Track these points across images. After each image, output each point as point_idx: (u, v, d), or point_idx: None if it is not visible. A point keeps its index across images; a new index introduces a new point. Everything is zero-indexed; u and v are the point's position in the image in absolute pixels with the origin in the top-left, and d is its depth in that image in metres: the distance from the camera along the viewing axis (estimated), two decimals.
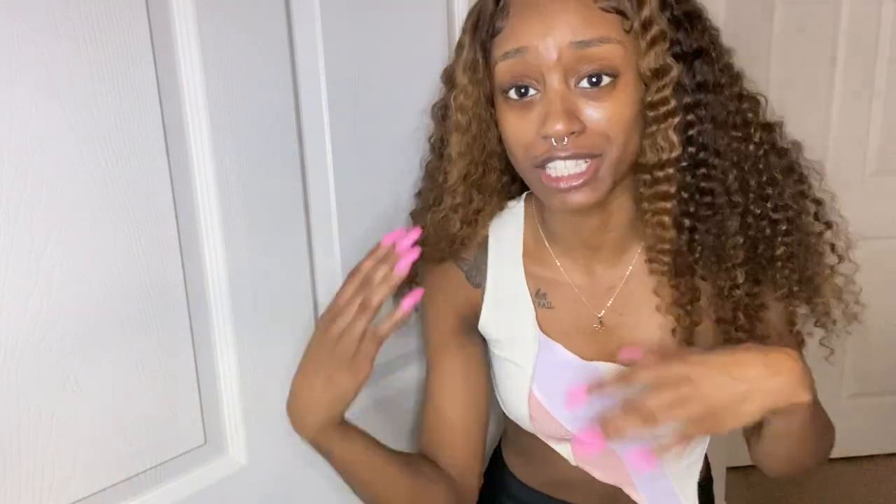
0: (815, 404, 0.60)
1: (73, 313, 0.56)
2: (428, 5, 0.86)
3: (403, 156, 0.85)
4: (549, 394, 0.74)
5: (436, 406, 0.79)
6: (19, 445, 0.54)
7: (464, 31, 0.66)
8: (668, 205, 0.63)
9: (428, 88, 0.88)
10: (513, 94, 0.61)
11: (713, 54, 0.62)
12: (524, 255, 0.76)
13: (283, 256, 0.72)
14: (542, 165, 0.61)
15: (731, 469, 2.02)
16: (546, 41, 0.58)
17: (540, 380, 0.74)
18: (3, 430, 0.53)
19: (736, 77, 0.65)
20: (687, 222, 0.64)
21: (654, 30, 0.59)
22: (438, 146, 0.73)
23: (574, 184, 0.60)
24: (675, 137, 0.61)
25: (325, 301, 0.78)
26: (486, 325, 0.77)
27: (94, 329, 0.58)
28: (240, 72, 0.66)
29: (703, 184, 0.63)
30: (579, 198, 0.61)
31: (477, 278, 0.77)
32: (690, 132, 0.62)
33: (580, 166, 0.60)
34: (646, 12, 0.59)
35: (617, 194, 0.66)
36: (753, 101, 0.66)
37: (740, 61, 0.67)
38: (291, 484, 0.76)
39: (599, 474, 0.80)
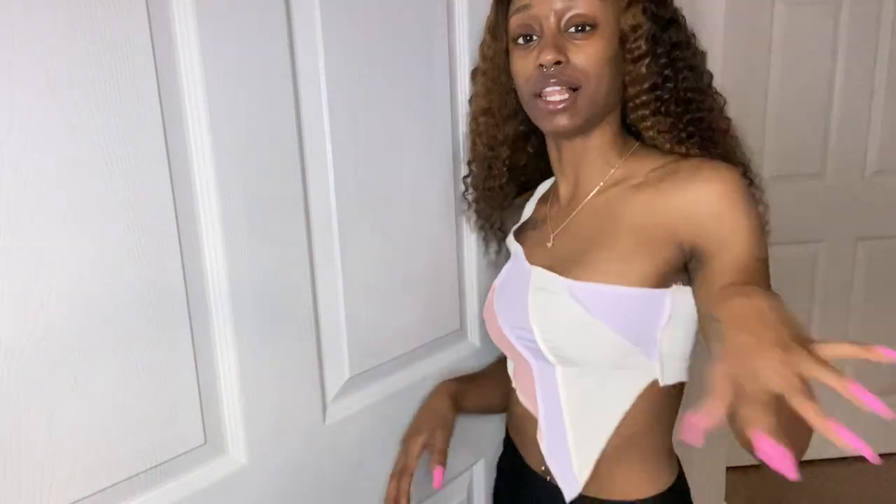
0: None
1: (73, 313, 0.56)
2: (428, 5, 0.86)
3: (403, 155, 0.85)
4: (499, 286, 0.91)
5: None
6: (19, 445, 0.54)
7: (492, 4, 0.85)
8: (650, 122, 0.81)
9: (428, 88, 0.88)
10: (520, 40, 0.80)
11: (681, 22, 0.80)
12: (541, 198, 0.96)
13: (283, 256, 0.72)
14: (538, 94, 0.78)
15: (731, 469, 2.02)
16: (544, 2, 0.77)
17: (500, 277, 0.92)
18: (3, 430, 0.53)
19: (700, 52, 0.82)
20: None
21: None
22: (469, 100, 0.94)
23: (559, 107, 0.78)
24: (645, 72, 0.78)
25: (324, 302, 0.78)
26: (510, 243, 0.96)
27: (94, 329, 0.58)
28: (240, 72, 0.66)
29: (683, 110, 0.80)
30: (563, 121, 0.78)
31: (509, 223, 0.99)
32: (666, 72, 0.78)
33: (563, 94, 0.77)
34: None
35: (595, 127, 0.82)
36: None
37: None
38: (291, 484, 0.76)
39: (524, 398, 0.89)
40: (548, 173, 0.95)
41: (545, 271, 0.82)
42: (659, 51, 0.78)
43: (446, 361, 0.96)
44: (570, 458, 0.84)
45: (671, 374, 0.80)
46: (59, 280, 0.55)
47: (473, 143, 0.92)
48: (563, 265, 0.81)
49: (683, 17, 0.81)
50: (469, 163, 0.94)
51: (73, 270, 0.56)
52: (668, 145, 0.80)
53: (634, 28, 0.77)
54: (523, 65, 0.80)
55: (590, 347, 0.78)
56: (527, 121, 0.87)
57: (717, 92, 0.84)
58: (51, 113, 0.53)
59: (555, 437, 0.85)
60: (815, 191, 2.18)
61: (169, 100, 0.61)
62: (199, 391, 0.67)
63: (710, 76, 0.83)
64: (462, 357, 0.99)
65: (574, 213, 0.86)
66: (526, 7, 0.78)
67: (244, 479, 0.71)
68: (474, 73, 0.91)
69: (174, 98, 0.62)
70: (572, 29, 0.77)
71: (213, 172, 0.65)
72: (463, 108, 0.94)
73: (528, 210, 0.95)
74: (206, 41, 0.63)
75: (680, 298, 0.77)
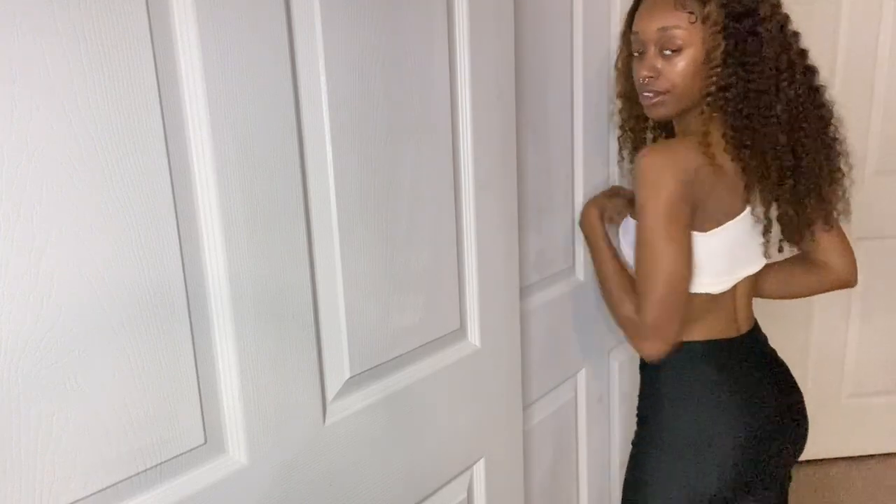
0: (590, 246, 1.24)
1: (73, 313, 0.56)
2: (428, 5, 0.86)
3: (404, 155, 0.85)
4: None
5: None
6: (19, 445, 0.54)
7: (626, 16, 1.16)
8: (724, 116, 1.06)
9: (428, 87, 0.88)
10: (636, 54, 1.12)
11: (763, 35, 1.03)
12: None
13: (283, 256, 0.72)
14: (643, 93, 1.11)
15: None
16: (647, 27, 1.08)
17: None
18: (3, 430, 0.53)
19: (787, 45, 1.06)
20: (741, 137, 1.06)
21: (710, 21, 1.03)
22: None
23: (653, 102, 1.10)
24: (716, 82, 1.04)
25: (324, 301, 0.78)
26: None
27: (94, 329, 0.58)
28: (240, 72, 0.66)
29: (744, 107, 1.04)
30: (656, 112, 1.11)
31: None
32: (731, 78, 1.03)
33: (655, 96, 1.09)
34: (706, 10, 1.03)
35: (681, 118, 1.12)
36: (801, 57, 1.08)
37: None
38: (291, 484, 0.76)
39: None
40: None
41: None
42: (730, 66, 1.02)
43: (446, 361, 0.96)
44: None
45: None
46: (60, 280, 0.55)
47: (622, 122, 1.27)
48: None
49: (766, 21, 1.03)
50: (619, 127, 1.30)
51: (73, 270, 0.56)
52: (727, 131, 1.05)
53: (713, 48, 1.03)
54: (636, 70, 1.11)
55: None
56: None
57: (800, 85, 1.06)
58: (50, 113, 0.53)
59: None
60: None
61: (169, 100, 0.61)
62: (198, 391, 0.67)
63: (789, 69, 1.05)
64: (462, 357, 0.99)
65: None
66: (637, 32, 1.09)
67: (244, 478, 0.71)
68: (615, 66, 1.24)
69: (174, 98, 0.62)
70: (666, 50, 1.05)
71: (212, 172, 0.65)
72: (463, 108, 0.94)
73: None
74: (206, 41, 0.63)
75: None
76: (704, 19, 1.03)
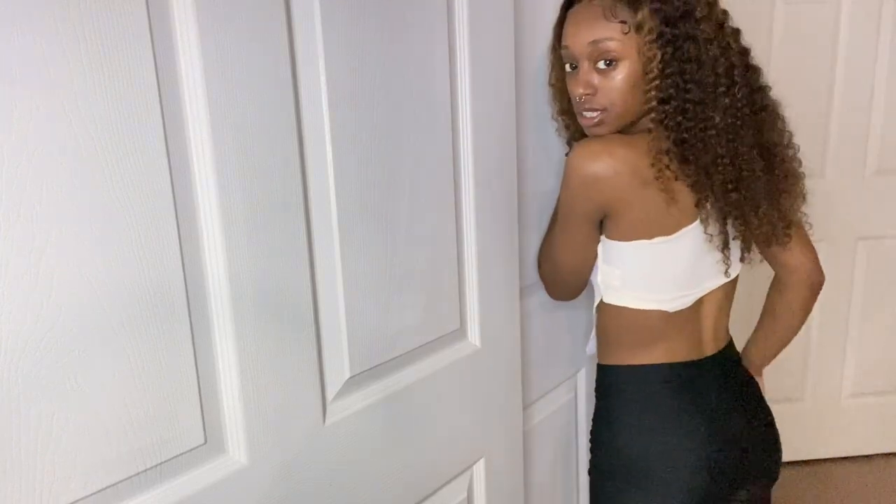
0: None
1: (73, 313, 0.56)
2: (428, 5, 0.86)
3: (404, 155, 0.85)
4: None
5: None
6: (19, 445, 0.54)
7: (553, 29, 1.10)
8: (665, 131, 0.99)
9: (428, 87, 0.88)
10: (568, 68, 1.05)
11: (701, 38, 0.96)
12: None
13: (283, 256, 0.72)
14: (580, 112, 1.04)
15: None
16: (577, 41, 1.00)
17: None
18: (3, 430, 0.53)
19: (727, 45, 0.99)
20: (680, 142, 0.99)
21: (644, 30, 0.96)
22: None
23: (593, 122, 1.02)
24: (655, 95, 0.98)
25: (324, 301, 0.78)
26: None
27: (94, 329, 0.58)
28: (240, 72, 0.66)
29: (683, 121, 0.98)
30: (597, 130, 1.03)
31: None
32: (670, 90, 0.97)
33: (594, 114, 1.02)
34: (638, 18, 0.96)
35: (634, 127, 1.04)
36: (742, 56, 1.03)
37: None
38: (291, 484, 0.76)
39: None
40: None
41: None
42: (669, 74, 0.96)
43: (446, 361, 0.96)
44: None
45: (611, 297, 1.11)
46: (60, 280, 0.55)
47: (569, 139, 1.19)
48: None
49: (704, 20, 0.97)
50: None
51: (73, 270, 0.56)
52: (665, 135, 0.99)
53: (649, 58, 0.97)
54: (570, 85, 1.04)
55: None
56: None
57: (738, 84, 1.00)
58: (50, 113, 0.53)
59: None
60: (815, 191, 2.18)
61: (169, 100, 0.61)
62: (198, 391, 0.67)
63: (728, 70, 0.99)
64: (462, 357, 0.99)
65: None
66: (567, 46, 1.02)
67: (244, 478, 0.71)
68: (549, 83, 1.16)
69: (174, 98, 0.62)
70: (601, 64, 0.99)
71: (212, 172, 0.65)
72: (463, 108, 0.94)
73: None
74: (206, 41, 0.63)
75: (604, 249, 1.10)
76: (638, 28, 0.96)
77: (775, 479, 1.18)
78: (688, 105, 0.96)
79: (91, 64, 0.55)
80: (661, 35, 0.95)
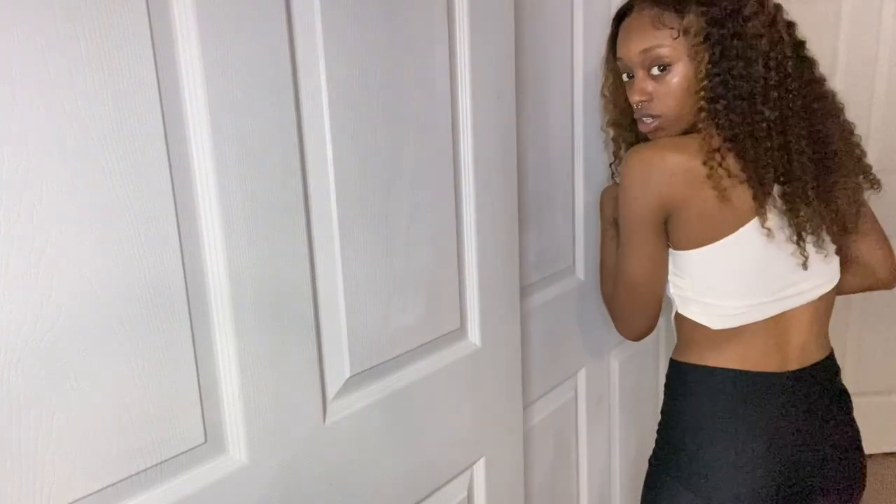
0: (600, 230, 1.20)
1: (73, 313, 0.56)
2: (428, 4, 0.86)
3: (404, 154, 0.85)
4: None
5: None
6: (19, 444, 0.54)
7: (607, 43, 1.17)
8: (715, 129, 1.00)
9: (428, 87, 0.88)
10: (625, 77, 1.11)
11: (750, 35, 0.98)
12: None
13: (283, 255, 0.72)
14: (639, 118, 1.09)
15: None
16: (629, 51, 1.06)
17: None
18: (3, 430, 0.53)
19: (779, 39, 1.00)
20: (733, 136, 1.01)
21: (691, 33, 1.00)
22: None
23: (651, 128, 1.07)
24: (705, 95, 1.00)
25: (325, 301, 0.78)
26: None
27: (94, 328, 0.58)
28: (240, 71, 0.66)
29: (732, 117, 0.99)
30: (655, 134, 1.07)
31: None
32: (718, 89, 0.99)
33: (651, 121, 1.06)
34: (685, 23, 1.00)
35: (692, 130, 1.04)
36: (798, 49, 1.04)
37: None
38: (291, 483, 0.76)
39: None
40: None
41: None
42: (717, 73, 0.98)
43: (446, 361, 0.96)
44: None
45: (687, 310, 1.11)
46: (60, 279, 0.55)
47: (615, 150, 1.26)
48: None
49: (752, 18, 0.99)
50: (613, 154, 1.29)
51: (73, 270, 0.56)
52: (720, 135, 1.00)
53: (700, 60, 0.99)
54: (628, 94, 1.10)
55: None
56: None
57: (782, 96, 1.01)
58: (51, 113, 0.53)
59: None
60: None
61: (169, 100, 0.61)
62: (199, 390, 0.67)
63: (763, 79, 1.00)
64: (462, 356, 0.99)
65: None
66: (621, 58, 1.08)
67: (244, 478, 0.71)
68: (601, 94, 1.23)
69: (174, 97, 0.62)
70: (654, 70, 1.03)
71: (212, 172, 0.65)
72: (463, 108, 0.94)
73: None
74: (206, 41, 0.63)
75: (675, 260, 1.09)
76: (685, 32, 1.00)
77: None
78: (736, 102, 0.98)
79: (91, 64, 0.55)
80: (708, 37, 0.98)
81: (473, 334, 1.02)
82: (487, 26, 0.96)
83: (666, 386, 1.18)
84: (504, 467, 1.11)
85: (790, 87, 1.00)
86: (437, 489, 0.98)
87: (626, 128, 1.20)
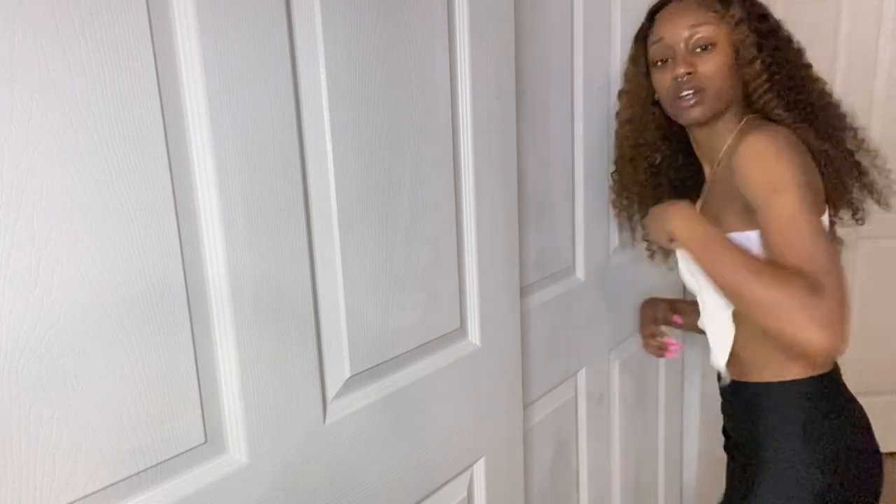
0: (698, 245, 1.00)
1: (73, 313, 0.56)
2: (428, 4, 0.86)
3: (404, 154, 0.85)
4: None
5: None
6: (19, 445, 0.54)
7: (633, 42, 1.21)
8: (773, 104, 1.06)
9: (428, 87, 0.88)
10: (659, 63, 1.12)
11: (779, 30, 1.09)
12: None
13: (283, 255, 0.72)
14: (676, 96, 1.09)
15: None
16: (673, 30, 1.09)
17: None
18: (3, 430, 0.53)
19: (797, 49, 1.11)
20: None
21: (736, 18, 1.05)
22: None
23: (691, 103, 1.07)
24: (763, 75, 1.05)
25: (325, 301, 0.78)
26: None
27: (94, 328, 0.58)
28: (240, 72, 0.66)
29: (809, 111, 1.06)
30: (695, 113, 1.08)
31: None
32: (772, 68, 1.05)
33: (693, 95, 1.07)
34: (731, 10, 1.06)
35: (720, 117, 1.10)
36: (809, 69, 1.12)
37: None
38: (291, 483, 0.76)
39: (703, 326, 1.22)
40: (690, 172, 1.27)
41: None
42: (765, 54, 1.04)
43: (446, 361, 0.96)
44: (717, 359, 1.16)
45: None
46: (60, 279, 0.55)
47: (620, 145, 1.28)
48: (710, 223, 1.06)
49: (781, 24, 1.10)
50: (615, 162, 1.33)
51: (73, 269, 0.56)
52: (787, 120, 1.04)
53: (743, 41, 1.05)
54: (663, 78, 1.11)
55: None
56: (661, 127, 1.23)
57: (816, 77, 1.11)
58: (51, 113, 0.53)
59: (711, 347, 1.17)
60: None
61: (169, 99, 0.62)
62: (199, 390, 0.67)
63: (808, 66, 1.11)
64: (462, 356, 0.99)
65: (708, 183, 1.17)
66: (661, 39, 1.10)
67: (244, 477, 0.71)
68: (620, 94, 1.26)
69: (174, 98, 0.62)
70: (697, 49, 1.07)
71: (212, 172, 0.65)
72: (463, 108, 0.94)
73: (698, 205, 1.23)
74: (206, 41, 0.63)
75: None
76: (730, 17, 1.05)
77: None
78: (782, 90, 1.05)
79: (91, 64, 0.55)
80: (751, 26, 1.05)
81: (473, 334, 1.02)
82: (487, 26, 0.96)
83: (745, 412, 1.14)
84: (504, 467, 1.11)
85: (818, 88, 1.10)
86: (437, 489, 0.98)
87: (647, 125, 1.22)
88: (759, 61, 1.04)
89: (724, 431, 1.28)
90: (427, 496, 0.96)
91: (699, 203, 1.19)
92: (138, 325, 0.61)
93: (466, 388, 1.01)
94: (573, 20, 1.26)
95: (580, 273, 1.36)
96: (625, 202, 1.34)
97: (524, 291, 1.16)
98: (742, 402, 1.15)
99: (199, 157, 0.64)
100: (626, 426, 1.59)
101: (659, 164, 1.26)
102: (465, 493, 1.04)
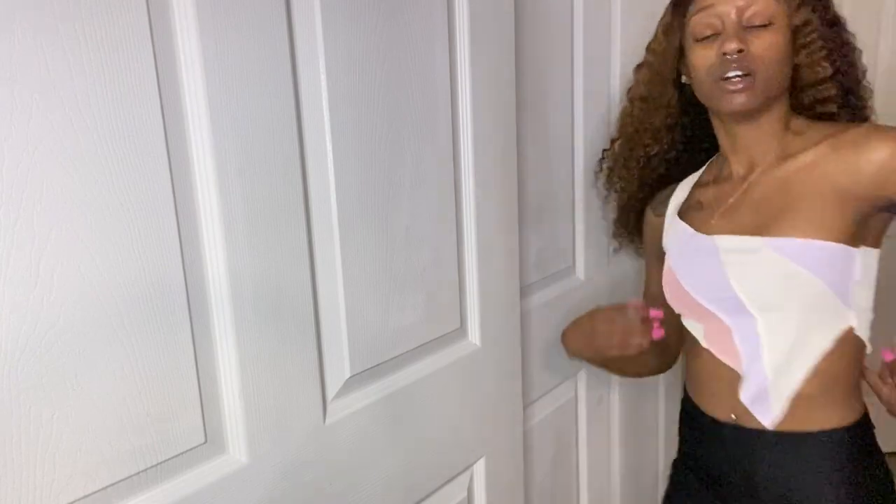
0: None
1: (73, 313, 0.56)
2: (428, 4, 0.86)
3: (404, 154, 0.85)
4: (676, 264, 1.04)
5: (651, 293, 1.20)
6: (19, 445, 0.54)
7: (668, 8, 1.03)
8: (831, 105, 0.98)
9: (428, 87, 0.88)
10: (704, 37, 0.94)
11: (843, 24, 0.97)
12: (696, 185, 1.11)
13: (283, 255, 0.72)
14: (721, 77, 0.92)
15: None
16: (727, 2, 0.92)
17: (672, 258, 1.05)
18: (3, 430, 0.54)
19: (859, 51, 1.00)
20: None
21: (794, 4, 0.92)
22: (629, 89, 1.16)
23: (739, 87, 0.91)
24: (825, 63, 0.94)
25: (325, 301, 0.78)
26: (665, 240, 1.12)
27: (94, 328, 0.58)
28: (240, 72, 0.66)
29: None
30: (741, 99, 0.92)
31: (660, 209, 1.16)
32: (838, 63, 0.95)
33: (743, 78, 0.91)
34: None
35: (767, 109, 0.95)
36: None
37: None
38: (291, 483, 0.76)
39: (722, 355, 1.00)
40: (678, 171, 1.15)
41: (734, 236, 0.95)
42: (831, 46, 0.94)
43: (446, 361, 0.96)
44: (769, 398, 0.96)
45: (863, 326, 0.97)
46: (60, 279, 0.55)
47: (623, 124, 1.15)
48: (755, 227, 0.94)
49: (844, 20, 0.98)
50: (613, 140, 1.20)
51: (73, 269, 0.56)
52: (844, 118, 0.97)
53: (805, 24, 0.93)
54: (705, 55, 0.94)
55: (794, 291, 0.91)
56: (674, 114, 1.09)
57: (868, 87, 1.04)
58: (50, 113, 0.53)
59: (755, 382, 0.97)
60: None
61: (169, 99, 0.62)
62: (199, 390, 0.67)
63: (864, 72, 1.02)
64: (462, 356, 0.99)
65: (747, 185, 0.99)
66: (710, 6, 0.93)
67: (244, 477, 0.71)
68: (639, 67, 1.11)
69: (174, 97, 0.62)
70: (751, 26, 0.91)
71: (212, 172, 0.65)
72: (463, 108, 0.94)
73: (681, 196, 1.12)
74: (206, 40, 0.63)
75: (867, 261, 0.92)
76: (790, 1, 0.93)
77: None
78: (853, 85, 0.99)
79: (91, 64, 0.55)
80: (814, 9, 0.94)
81: (473, 334, 1.02)
82: (487, 26, 0.96)
83: (829, 468, 0.97)
84: (504, 467, 1.11)
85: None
86: (437, 489, 0.98)
87: (659, 102, 1.08)
88: (821, 48, 0.92)
89: (707, 472, 1.06)
90: (427, 496, 0.96)
91: (719, 208, 1.02)
92: (138, 325, 0.61)
93: (466, 388, 1.01)
94: (573, 20, 1.26)
95: (580, 273, 1.36)
96: (615, 180, 1.24)
97: (524, 291, 1.16)
98: (793, 453, 0.97)
99: (199, 157, 0.64)
100: (626, 426, 1.59)
101: (653, 155, 1.14)
102: (465, 494, 1.04)
